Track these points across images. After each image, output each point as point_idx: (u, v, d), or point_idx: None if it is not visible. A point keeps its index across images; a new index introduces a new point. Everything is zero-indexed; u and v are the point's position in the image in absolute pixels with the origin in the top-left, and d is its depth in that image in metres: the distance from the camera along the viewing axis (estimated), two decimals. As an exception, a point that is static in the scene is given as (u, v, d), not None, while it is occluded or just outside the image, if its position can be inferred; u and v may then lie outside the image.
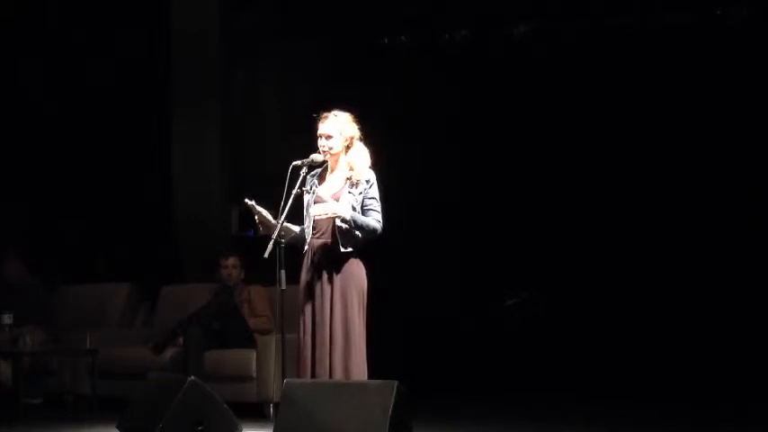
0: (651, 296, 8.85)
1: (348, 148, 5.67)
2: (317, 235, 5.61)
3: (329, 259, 5.56)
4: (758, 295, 8.49)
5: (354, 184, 5.58)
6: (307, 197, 5.66)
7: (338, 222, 5.49)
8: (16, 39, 10.08)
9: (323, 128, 5.67)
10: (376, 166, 5.70)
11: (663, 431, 6.89)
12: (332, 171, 5.72)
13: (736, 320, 8.52)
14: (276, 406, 6.60)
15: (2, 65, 10.04)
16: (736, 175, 8.75)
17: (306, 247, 5.64)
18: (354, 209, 5.55)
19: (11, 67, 10.07)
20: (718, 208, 8.76)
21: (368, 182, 5.60)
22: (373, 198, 5.60)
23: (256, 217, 5.65)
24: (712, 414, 7.30)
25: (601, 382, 8.38)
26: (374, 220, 5.56)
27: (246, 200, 5.65)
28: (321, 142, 5.68)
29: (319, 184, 5.71)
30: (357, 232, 5.52)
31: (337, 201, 5.56)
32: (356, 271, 5.58)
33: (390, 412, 5.05)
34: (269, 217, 5.62)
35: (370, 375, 5.55)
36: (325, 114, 5.69)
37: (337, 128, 5.65)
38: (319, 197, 5.63)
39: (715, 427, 6.89)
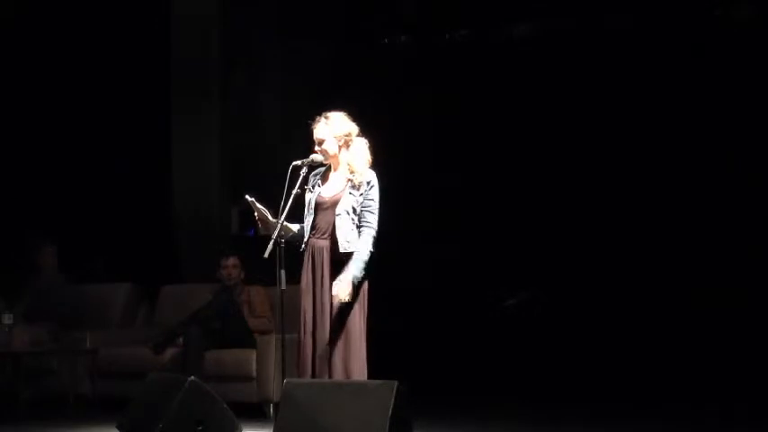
0: (651, 296, 8.84)
1: (346, 145, 5.69)
2: (318, 235, 5.63)
3: (330, 260, 5.58)
4: (757, 296, 8.48)
5: (356, 186, 5.61)
6: (308, 195, 5.68)
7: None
8: (16, 39, 10.08)
9: (315, 133, 5.73)
10: (376, 164, 5.71)
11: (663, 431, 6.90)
12: (334, 170, 5.75)
13: (735, 321, 8.51)
14: (276, 406, 6.61)
15: (2, 65, 10.04)
16: (736, 176, 8.74)
17: (304, 246, 5.66)
18: (354, 209, 5.57)
19: (11, 67, 10.07)
20: (717, 208, 8.75)
21: (368, 183, 5.62)
22: (372, 200, 5.62)
23: (255, 214, 5.67)
24: (712, 415, 7.29)
25: (601, 381, 8.37)
26: (365, 235, 5.55)
27: (247, 196, 5.67)
28: (315, 147, 5.73)
29: (322, 183, 5.74)
30: (367, 262, 5.54)
31: (338, 202, 5.58)
32: (356, 271, 5.59)
33: (390, 412, 5.05)
34: (267, 215, 5.65)
35: (370, 375, 5.55)
36: (317, 119, 5.73)
37: (327, 130, 5.68)
38: (321, 197, 5.66)
39: (714, 428, 6.89)
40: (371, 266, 5.58)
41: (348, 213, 5.59)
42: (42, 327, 8.28)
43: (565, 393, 8.31)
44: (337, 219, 5.57)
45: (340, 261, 5.56)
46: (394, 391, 5.10)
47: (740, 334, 8.43)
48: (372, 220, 5.60)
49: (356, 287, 5.53)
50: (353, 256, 5.54)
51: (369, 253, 5.56)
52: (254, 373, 7.51)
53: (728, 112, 8.76)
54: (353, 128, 5.72)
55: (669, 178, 8.97)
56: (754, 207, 8.60)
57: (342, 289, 5.49)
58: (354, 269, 5.51)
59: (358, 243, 5.56)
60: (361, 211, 5.60)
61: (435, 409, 7.32)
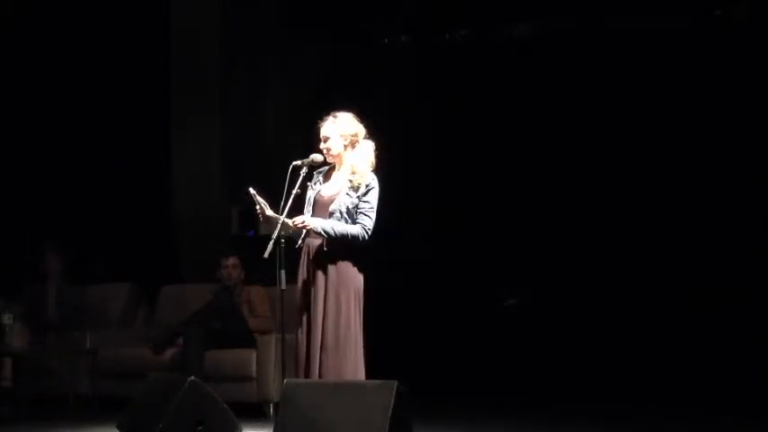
0: (651, 296, 8.84)
1: (352, 145, 5.70)
2: (313, 235, 5.63)
3: (324, 259, 5.57)
4: (757, 296, 8.48)
5: (354, 188, 5.61)
6: (309, 192, 5.69)
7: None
8: (16, 39, 10.08)
9: (321, 131, 5.72)
10: (379, 166, 5.71)
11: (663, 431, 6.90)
12: (338, 169, 5.75)
13: (735, 321, 8.51)
14: (276, 406, 6.61)
15: (2, 65, 10.04)
16: (736, 176, 8.74)
17: (301, 243, 5.66)
18: (349, 210, 5.57)
19: (11, 68, 10.07)
20: (717, 208, 8.75)
21: (367, 186, 5.61)
22: (367, 202, 5.60)
23: (257, 207, 5.66)
24: (712, 414, 7.30)
25: (601, 381, 8.37)
26: (358, 227, 5.56)
27: (250, 189, 5.66)
28: (320, 145, 5.73)
29: (325, 181, 5.75)
30: (339, 233, 5.53)
31: (333, 200, 5.59)
32: (351, 271, 5.58)
33: (390, 412, 5.05)
34: (267, 209, 5.64)
35: (371, 375, 5.55)
36: (325, 117, 5.74)
37: (333, 129, 5.68)
38: (320, 195, 5.67)
39: (714, 428, 6.89)
40: (367, 264, 5.57)
41: (341, 213, 5.58)
42: (42, 327, 8.28)
43: (565, 393, 8.31)
44: (330, 218, 5.57)
45: (334, 260, 5.53)
46: (394, 391, 5.09)
47: (740, 334, 8.43)
48: (366, 222, 5.57)
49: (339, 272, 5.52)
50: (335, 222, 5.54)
51: (347, 233, 5.50)
52: (254, 373, 7.52)
53: (728, 112, 8.76)
54: (361, 129, 5.72)
55: (669, 178, 8.96)
56: (754, 207, 8.60)
57: (305, 220, 5.51)
58: (326, 223, 5.50)
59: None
60: (357, 212, 5.58)
61: (435, 409, 7.33)
